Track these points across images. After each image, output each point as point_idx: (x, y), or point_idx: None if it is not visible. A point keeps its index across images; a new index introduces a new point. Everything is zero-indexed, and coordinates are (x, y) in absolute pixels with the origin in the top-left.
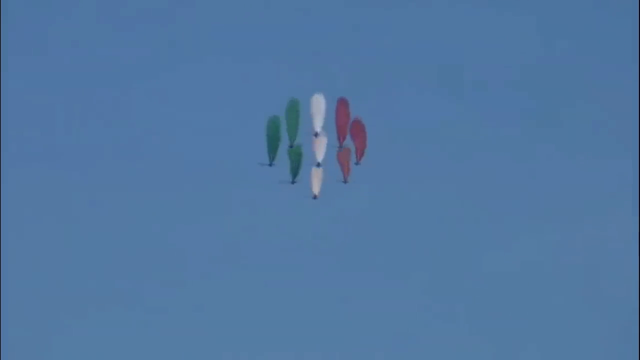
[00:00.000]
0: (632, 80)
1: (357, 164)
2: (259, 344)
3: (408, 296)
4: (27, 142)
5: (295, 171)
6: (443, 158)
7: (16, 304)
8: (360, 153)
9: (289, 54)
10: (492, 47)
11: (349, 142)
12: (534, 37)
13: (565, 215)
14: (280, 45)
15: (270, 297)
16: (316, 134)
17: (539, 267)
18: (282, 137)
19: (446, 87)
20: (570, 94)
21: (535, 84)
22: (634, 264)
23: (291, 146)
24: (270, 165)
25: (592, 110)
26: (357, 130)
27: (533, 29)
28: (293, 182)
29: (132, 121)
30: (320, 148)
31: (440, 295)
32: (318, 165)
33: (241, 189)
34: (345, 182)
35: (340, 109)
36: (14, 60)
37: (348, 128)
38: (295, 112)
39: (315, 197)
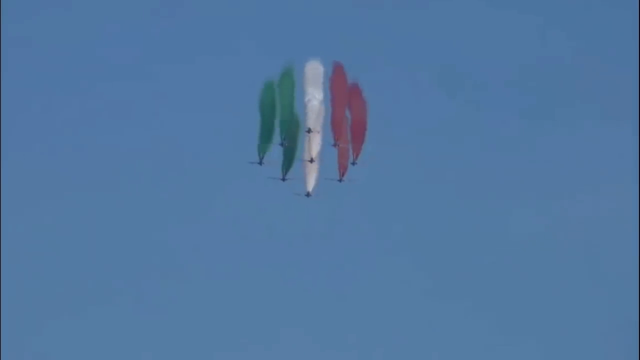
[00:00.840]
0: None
1: (354, 163)
2: (255, 338)
3: (413, 271)
4: (22, 139)
5: (288, 165)
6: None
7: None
8: (359, 137)
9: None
10: (490, 40)
11: (348, 135)
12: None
13: (566, 187)
14: (281, 41)
15: (265, 292)
16: (309, 130)
17: (541, 239)
18: (276, 108)
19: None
20: (569, 84)
21: (536, 73)
22: (634, 235)
23: (282, 144)
24: (260, 163)
25: (592, 85)
26: (356, 98)
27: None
28: (284, 179)
29: (130, 120)
30: (314, 144)
31: (445, 270)
32: (311, 160)
33: (232, 186)
34: (340, 180)
35: (336, 75)
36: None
37: (346, 96)
38: (290, 79)
39: (308, 194)
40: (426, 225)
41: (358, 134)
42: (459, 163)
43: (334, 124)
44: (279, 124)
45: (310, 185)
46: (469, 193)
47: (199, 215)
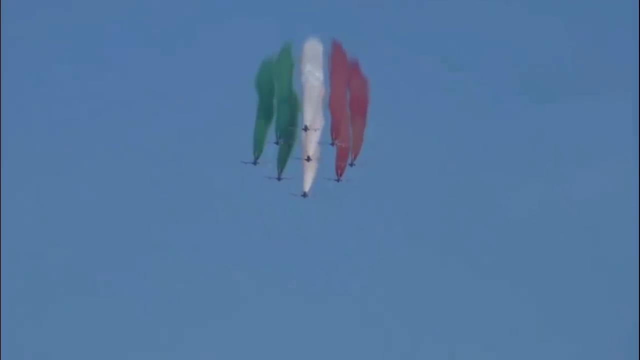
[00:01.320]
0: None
1: (352, 164)
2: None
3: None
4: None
5: (283, 162)
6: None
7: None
8: (360, 115)
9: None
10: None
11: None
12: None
13: (566, 164)
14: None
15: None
16: (306, 128)
17: (540, 216)
18: (275, 86)
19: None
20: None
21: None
22: (634, 208)
23: (277, 143)
24: (255, 163)
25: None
26: (356, 76)
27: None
28: (279, 179)
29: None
30: (311, 141)
31: (451, 242)
32: (308, 159)
33: (226, 184)
34: (338, 180)
35: (335, 53)
36: None
37: (346, 75)
38: (289, 57)
39: (305, 194)
40: (427, 206)
41: (359, 112)
42: (458, 141)
43: (333, 104)
44: (277, 104)
45: (307, 184)
46: (467, 171)
47: (194, 214)
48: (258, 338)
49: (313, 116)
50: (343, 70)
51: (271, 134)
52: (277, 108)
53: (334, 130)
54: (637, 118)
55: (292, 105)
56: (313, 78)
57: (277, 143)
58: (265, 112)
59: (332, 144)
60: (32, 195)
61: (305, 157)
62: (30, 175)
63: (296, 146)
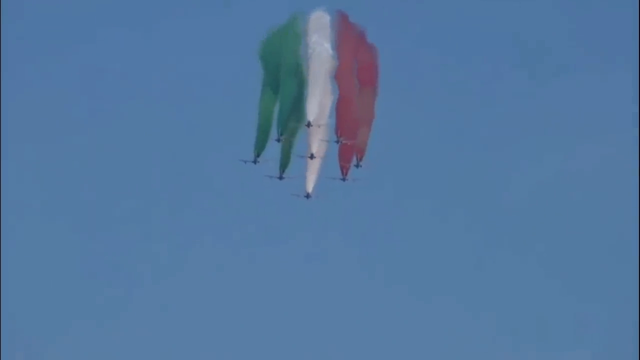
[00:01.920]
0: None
1: (358, 165)
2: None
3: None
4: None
5: (285, 160)
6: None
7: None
8: (369, 85)
9: None
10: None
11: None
12: None
13: (567, 137)
14: None
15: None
16: (309, 124)
17: (544, 188)
18: (280, 58)
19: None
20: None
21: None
22: (634, 180)
23: (278, 140)
24: (255, 162)
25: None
26: (364, 46)
27: None
28: (281, 178)
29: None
30: (315, 139)
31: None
32: (312, 157)
33: (226, 186)
34: (344, 179)
35: (342, 24)
36: None
37: (354, 45)
38: (295, 28)
39: (308, 195)
40: (440, 149)
41: (368, 83)
42: (460, 116)
43: (341, 76)
44: (283, 77)
45: (311, 184)
46: (470, 146)
47: (190, 214)
48: (255, 339)
49: (320, 90)
50: (350, 41)
51: (273, 131)
52: (283, 82)
53: (340, 127)
54: (637, 91)
55: (299, 79)
56: (321, 48)
57: (279, 140)
58: (270, 86)
59: (338, 142)
60: (31, 193)
61: (309, 155)
62: (30, 175)
63: (298, 142)
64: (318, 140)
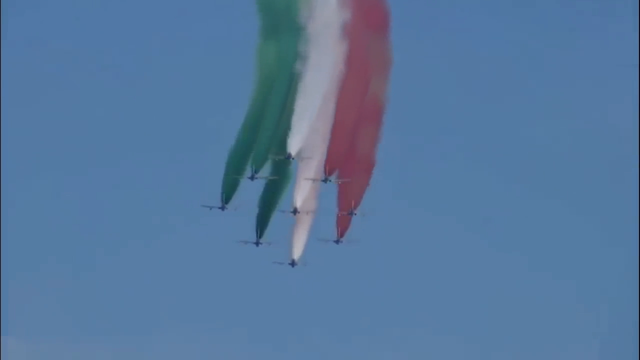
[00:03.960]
0: None
1: (351, 213)
2: None
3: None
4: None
5: (263, 222)
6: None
7: None
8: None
9: None
10: None
11: None
12: None
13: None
14: None
15: None
16: (290, 156)
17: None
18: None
19: None
20: None
21: None
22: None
23: (251, 178)
24: (223, 208)
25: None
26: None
27: None
28: (258, 243)
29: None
30: (304, 183)
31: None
32: (295, 212)
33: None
34: (338, 242)
35: None
36: None
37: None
38: None
39: (294, 263)
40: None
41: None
42: (469, 74)
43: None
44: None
45: (297, 249)
46: (480, 104)
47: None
48: None
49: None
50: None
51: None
52: (280, 39)
53: (332, 154)
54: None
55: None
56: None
57: (252, 178)
58: (269, 32)
59: (326, 180)
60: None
61: (292, 210)
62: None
63: (285, 184)
64: (306, 184)
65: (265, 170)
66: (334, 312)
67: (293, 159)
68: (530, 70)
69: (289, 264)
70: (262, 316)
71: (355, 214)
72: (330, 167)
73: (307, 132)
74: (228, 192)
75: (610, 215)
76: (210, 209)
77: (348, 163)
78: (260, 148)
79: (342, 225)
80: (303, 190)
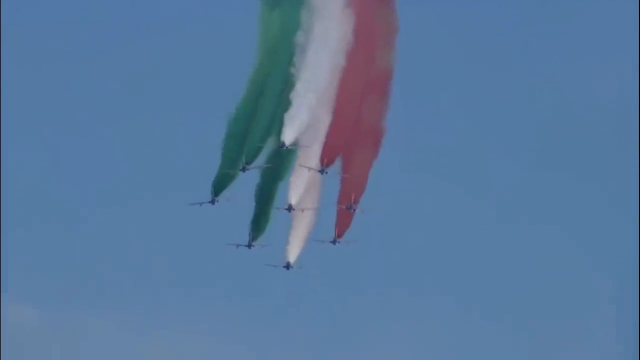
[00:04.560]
0: None
1: (350, 208)
2: None
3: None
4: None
5: (258, 222)
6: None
7: None
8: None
9: None
10: None
11: None
12: None
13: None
14: None
15: None
16: (282, 145)
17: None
18: None
19: None
20: None
21: None
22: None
23: (243, 169)
24: (213, 202)
25: None
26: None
27: None
28: (250, 246)
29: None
30: (300, 173)
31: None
32: (289, 209)
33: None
34: (335, 242)
35: None
36: None
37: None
38: None
39: (288, 265)
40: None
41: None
42: (476, 42)
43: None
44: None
45: (293, 250)
46: (486, 72)
47: None
48: None
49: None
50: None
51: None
52: (284, 8)
53: (336, 129)
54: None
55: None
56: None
57: (243, 170)
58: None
59: (322, 171)
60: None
61: (286, 207)
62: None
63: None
64: (303, 177)
65: (261, 159)
66: (334, 312)
67: (286, 147)
68: (538, 38)
69: (284, 266)
70: (260, 316)
71: (356, 210)
72: (332, 151)
73: (311, 106)
74: (221, 186)
75: (611, 182)
76: (201, 205)
77: (355, 136)
78: (258, 128)
79: (342, 223)
80: (300, 183)
